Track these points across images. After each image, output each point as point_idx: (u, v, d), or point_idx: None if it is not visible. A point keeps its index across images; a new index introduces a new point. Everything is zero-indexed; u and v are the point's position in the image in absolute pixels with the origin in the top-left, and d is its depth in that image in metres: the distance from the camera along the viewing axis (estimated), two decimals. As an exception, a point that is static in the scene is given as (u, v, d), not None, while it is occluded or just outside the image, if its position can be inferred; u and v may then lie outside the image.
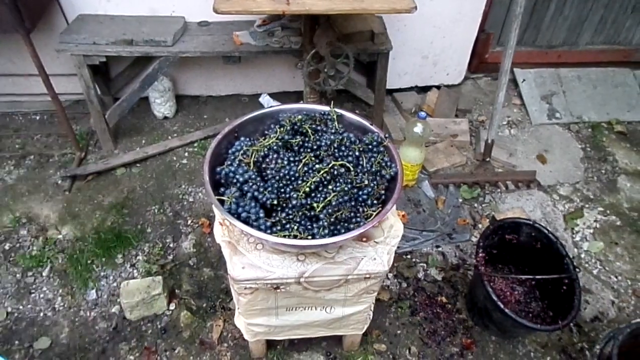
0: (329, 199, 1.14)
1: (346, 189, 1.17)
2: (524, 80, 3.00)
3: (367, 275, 1.27)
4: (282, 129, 1.29)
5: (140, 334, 1.81)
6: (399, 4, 1.80)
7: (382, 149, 1.29)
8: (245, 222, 1.13)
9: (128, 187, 2.36)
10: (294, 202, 1.16)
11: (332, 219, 1.14)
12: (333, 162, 1.20)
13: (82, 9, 2.40)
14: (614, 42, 3.08)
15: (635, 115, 2.90)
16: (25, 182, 2.36)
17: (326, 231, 1.12)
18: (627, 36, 3.05)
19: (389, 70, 2.48)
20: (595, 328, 1.89)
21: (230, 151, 1.27)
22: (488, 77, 3.11)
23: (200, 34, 2.43)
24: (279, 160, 1.21)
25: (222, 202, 1.16)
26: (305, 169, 1.20)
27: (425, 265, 2.08)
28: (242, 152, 1.24)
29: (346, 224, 1.16)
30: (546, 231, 1.80)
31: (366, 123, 1.36)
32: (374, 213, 1.19)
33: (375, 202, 1.22)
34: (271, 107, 1.41)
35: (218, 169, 1.22)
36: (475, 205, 2.34)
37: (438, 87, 2.99)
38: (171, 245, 2.11)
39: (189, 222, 2.21)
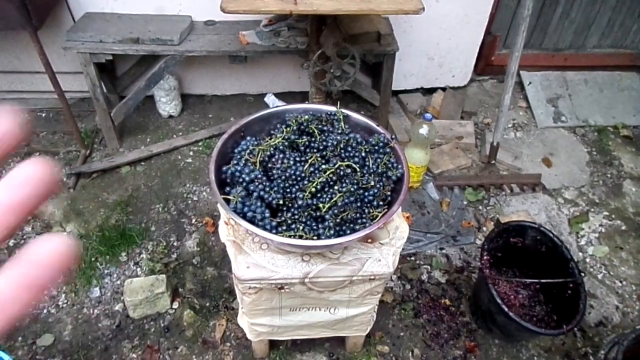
0: (334, 199, 1.14)
1: (352, 189, 1.17)
2: (530, 83, 2.99)
3: (372, 277, 1.27)
4: (288, 128, 1.28)
5: (143, 332, 1.81)
6: (406, 5, 1.79)
7: (388, 150, 1.29)
8: (251, 221, 1.13)
9: (133, 186, 2.36)
10: (299, 202, 1.16)
11: (337, 220, 1.14)
12: (339, 163, 1.20)
13: (88, 7, 2.41)
14: (621, 45, 3.06)
15: (642, 119, 2.89)
16: (30, 179, 2.36)
17: (332, 232, 1.12)
18: (635, 40, 3.04)
19: (394, 71, 2.47)
20: (599, 333, 1.88)
21: (236, 150, 1.27)
22: (494, 79, 3.10)
23: (207, 33, 2.43)
24: (285, 160, 1.20)
25: (227, 201, 1.15)
26: (312, 169, 1.20)
27: (429, 267, 2.07)
28: (248, 151, 1.24)
29: (352, 225, 1.16)
30: (551, 235, 1.79)
31: (372, 124, 1.35)
32: (380, 214, 1.18)
33: (381, 203, 1.22)
34: (277, 106, 1.41)
35: (224, 168, 1.22)
36: (480, 207, 2.33)
37: (443, 89, 2.99)
38: (175, 243, 2.12)
39: (193, 221, 2.21)
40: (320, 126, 1.30)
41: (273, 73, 2.82)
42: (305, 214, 1.15)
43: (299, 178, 1.19)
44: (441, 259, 2.10)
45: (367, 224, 1.16)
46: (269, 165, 1.23)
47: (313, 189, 1.16)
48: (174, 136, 2.63)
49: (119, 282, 1.97)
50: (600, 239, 2.23)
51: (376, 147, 1.28)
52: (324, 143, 1.25)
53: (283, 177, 1.19)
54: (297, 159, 1.22)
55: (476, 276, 1.99)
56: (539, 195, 2.41)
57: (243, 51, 2.34)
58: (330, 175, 1.18)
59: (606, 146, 2.72)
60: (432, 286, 2.01)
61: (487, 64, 3.00)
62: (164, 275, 1.87)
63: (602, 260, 2.14)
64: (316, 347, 1.78)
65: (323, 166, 1.19)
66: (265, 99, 2.86)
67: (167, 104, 2.69)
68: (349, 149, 1.25)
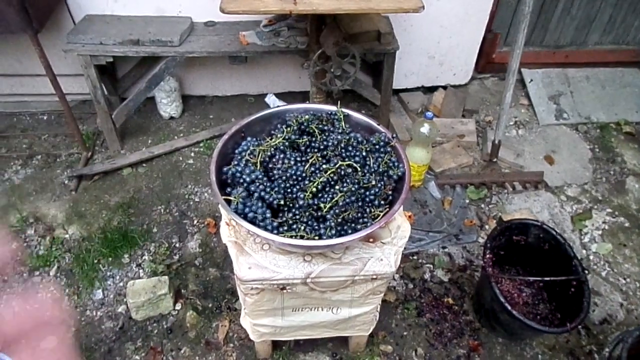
0: (336, 199, 1.14)
1: (353, 189, 1.16)
2: (531, 80, 2.98)
3: (374, 276, 1.26)
4: (289, 128, 1.28)
5: (146, 334, 1.81)
6: (406, 3, 1.79)
7: (389, 149, 1.29)
8: (252, 222, 1.12)
9: (134, 187, 2.36)
10: (300, 202, 1.15)
11: (339, 220, 1.13)
12: (340, 162, 1.19)
13: (89, 9, 2.41)
14: (623, 42, 3.05)
15: (644, 115, 2.88)
16: (32, 182, 2.37)
17: (333, 232, 1.12)
18: (636, 36, 3.02)
19: (395, 70, 2.47)
20: (603, 330, 1.87)
21: (237, 151, 1.27)
22: (495, 77, 3.09)
23: (207, 34, 2.43)
24: (286, 160, 1.20)
25: (228, 202, 1.15)
26: (312, 169, 1.19)
27: (431, 266, 2.07)
28: (249, 152, 1.24)
29: (353, 225, 1.16)
30: (554, 232, 1.78)
31: (373, 123, 1.35)
32: (381, 214, 1.18)
33: (382, 202, 1.21)
34: (278, 107, 1.41)
35: (225, 169, 1.22)
36: (482, 206, 2.33)
37: (444, 87, 2.98)
38: (177, 245, 2.12)
39: (195, 222, 2.21)
40: (320, 126, 1.30)
41: (273, 73, 2.81)
42: (307, 214, 1.15)
43: (299, 178, 1.18)
44: (444, 258, 2.10)
45: (369, 224, 1.15)
46: (270, 165, 1.23)
47: (314, 189, 1.15)
48: (175, 137, 2.63)
49: (121, 284, 1.97)
50: (604, 236, 2.22)
51: (377, 147, 1.28)
52: (325, 143, 1.25)
53: (284, 177, 1.18)
54: (298, 159, 1.22)
55: (479, 275, 1.98)
56: (542, 193, 2.40)
57: (243, 52, 2.34)
58: (331, 175, 1.17)
59: (609, 143, 2.71)
60: (434, 285, 2.00)
61: (488, 61, 2.99)
62: (166, 277, 1.87)
63: (605, 258, 2.13)
64: (319, 347, 1.78)
65: (324, 166, 1.19)
66: (266, 99, 2.86)
67: (168, 106, 2.69)
68: (350, 148, 1.24)
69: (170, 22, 2.40)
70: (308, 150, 1.26)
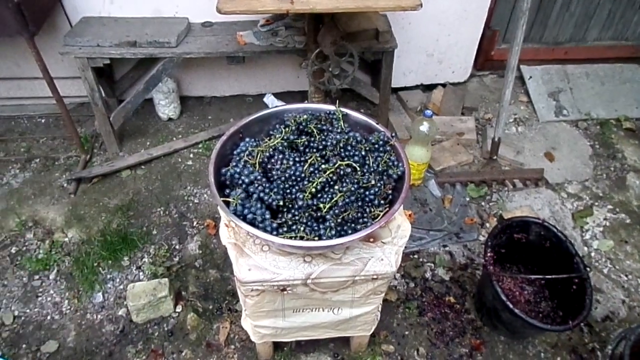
0: (335, 199, 1.13)
1: (353, 189, 1.16)
2: (530, 77, 2.97)
3: (375, 276, 1.26)
4: (287, 129, 1.27)
5: (147, 337, 1.81)
6: (404, 1, 1.78)
7: (388, 148, 1.28)
8: (251, 223, 1.12)
9: (133, 189, 2.35)
10: (300, 202, 1.15)
11: (338, 220, 1.13)
12: (339, 162, 1.19)
13: (85, 11, 2.40)
14: (622, 37, 3.04)
15: (644, 111, 2.87)
16: (30, 185, 2.36)
17: (333, 232, 1.11)
18: (636, 31, 3.02)
19: (393, 68, 2.46)
20: (606, 328, 1.87)
21: (235, 152, 1.26)
22: (494, 74, 3.08)
23: (204, 34, 2.42)
24: (285, 161, 1.20)
25: (227, 203, 1.14)
26: (311, 169, 1.19)
27: (432, 265, 2.06)
28: (247, 153, 1.23)
29: (353, 225, 1.15)
30: (555, 230, 1.77)
31: (372, 122, 1.34)
32: (381, 213, 1.17)
33: (382, 202, 1.21)
34: (276, 107, 1.40)
35: (223, 170, 1.21)
36: (483, 204, 2.32)
37: (443, 85, 2.97)
38: (177, 247, 2.11)
39: (195, 223, 2.20)
40: (319, 125, 1.29)
41: (271, 73, 2.81)
42: (306, 214, 1.15)
43: (298, 178, 1.18)
44: (444, 257, 2.09)
45: (369, 224, 1.15)
46: (269, 166, 1.22)
47: (313, 189, 1.15)
48: (174, 139, 2.63)
49: (121, 286, 1.96)
50: (605, 233, 2.21)
51: (376, 146, 1.27)
52: (324, 142, 1.24)
53: (283, 178, 1.18)
54: (297, 159, 1.21)
55: (480, 273, 1.97)
56: (542, 190, 2.39)
57: (241, 52, 2.33)
58: (331, 175, 1.17)
59: (609, 139, 2.70)
60: (436, 284, 1.99)
61: (487, 59, 2.98)
62: (166, 279, 1.86)
63: (607, 255, 2.12)
64: (320, 348, 1.77)
65: (323, 166, 1.18)
66: (265, 99, 2.85)
67: (166, 107, 2.68)
68: (349, 148, 1.24)
69: (167, 23, 2.39)
70: (307, 150, 1.26)
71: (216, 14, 1.74)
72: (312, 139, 1.26)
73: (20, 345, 1.78)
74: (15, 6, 1.85)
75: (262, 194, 1.15)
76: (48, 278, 1.99)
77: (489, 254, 1.70)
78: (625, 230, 2.23)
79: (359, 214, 1.16)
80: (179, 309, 1.88)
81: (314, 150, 1.25)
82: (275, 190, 1.15)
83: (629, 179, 2.49)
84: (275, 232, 1.12)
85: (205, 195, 2.34)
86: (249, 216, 1.13)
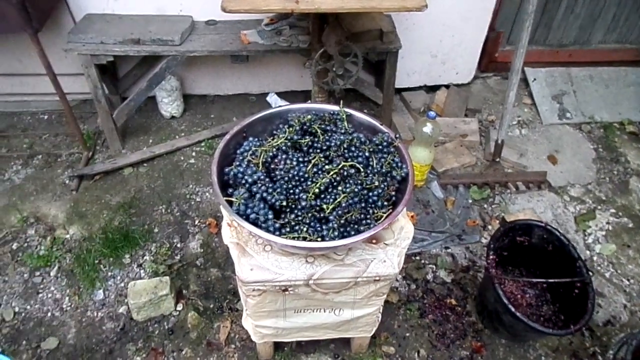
0: (338, 200, 1.13)
1: (356, 190, 1.15)
2: (534, 79, 2.96)
3: (377, 278, 1.25)
4: (291, 129, 1.27)
5: (147, 335, 1.81)
6: (409, 1, 1.77)
7: (392, 149, 1.27)
8: (254, 223, 1.11)
9: (135, 187, 2.35)
10: (303, 203, 1.14)
11: (341, 221, 1.12)
12: (343, 163, 1.18)
13: (89, 8, 2.40)
14: (627, 41, 3.03)
15: (648, 115, 2.86)
16: (33, 181, 2.36)
17: (336, 233, 1.11)
18: (640, 35, 3.01)
19: (397, 69, 2.45)
20: (607, 332, 1.86)
21: (238, 151, 1.26)
22: (498, 76, 3.08)
23: (208, 33, 2.42)
24: (288, 161, 1.19)
25: (230, 203, 1.14)
26: (315, 169, 1.18)
27: (434, 266, 2.05)
28: (250, 152, 1.22)
29: (356, 226, 1.14)
30: (558, 233, 1.77)
31: (376, 123, 1.34)
32: (384, 215, 1.17)
33: (385, 203, 1.20)
34: (279, 106, 1.40)
35: (226, 169, 1.21)
36: (485, 206, 2.31)
37: (447, 87, 2.96)
38: (178, 245, 2.11)
39: (197, 222, 2.20)
40: (323, 126, 1.29)
41: (275, 72, 2.80)
42: (309, 215, 1.14)
43: (302, 179, 1.17)
44: (446, 259, 2.09)
45: (372, 225, 1.14)
46: (272, 166, 1.22)
47: (317, 190, 1.14)
48: (177, 137, 2.62)
49: (122, 284, 1.96)
50: (608, 237, 2.20)
51: (380, 147, 1.27)
52: (327, 143, 1.24)
53: (286, 178, 1.17)
54: (300, 159, 1.21)
55: (482, 275, 1.97)
56: (545, 193, 2.39)
57: (245, 51, 2.33)
58: (334, 176, 1.16)
59: (612, 143, 2.70)
60: (437, 286, 1.99)
61: (490, 60, 2.97)
62: (167, 277, 1.86)
63: (609, 259, 2.12)
64: (321, 349, 1.77)
65: (326, 166, 1.18)
66: (268, 99, 2.84)
67: (169, 105, 2.68)
68: (353, 148, 1.23)
69: (171, 21, 2.39)
70: (310, 150, 1.25)
71: (220, 13, 1.74)
72: (316, 139, 1.26)
73: (20, 341, 1.78)
74: (19, 2, 1.85)
75: (265, 194, 1.15)
76: (49, 275, 1.99)
77: (491, 257, 1.69)
78: (628, 235, 2.22)
79: (362, 215, 1.16)
80: (179, 307, 1.88)
81: (318, 150, 1.24)
82: (279, 190, 1.15)
83: (632, 182, 2.48)
84: (277, 233, 1.12)
85: (207, 194, 2.33)
86: (252, 216, 1.12)
